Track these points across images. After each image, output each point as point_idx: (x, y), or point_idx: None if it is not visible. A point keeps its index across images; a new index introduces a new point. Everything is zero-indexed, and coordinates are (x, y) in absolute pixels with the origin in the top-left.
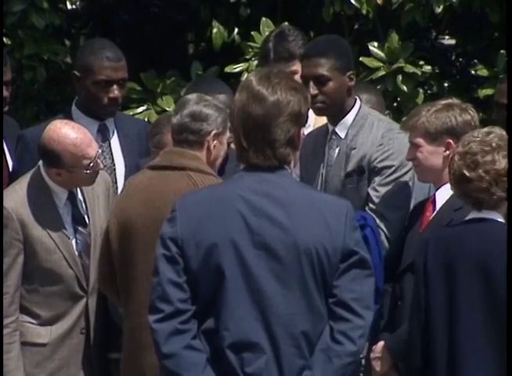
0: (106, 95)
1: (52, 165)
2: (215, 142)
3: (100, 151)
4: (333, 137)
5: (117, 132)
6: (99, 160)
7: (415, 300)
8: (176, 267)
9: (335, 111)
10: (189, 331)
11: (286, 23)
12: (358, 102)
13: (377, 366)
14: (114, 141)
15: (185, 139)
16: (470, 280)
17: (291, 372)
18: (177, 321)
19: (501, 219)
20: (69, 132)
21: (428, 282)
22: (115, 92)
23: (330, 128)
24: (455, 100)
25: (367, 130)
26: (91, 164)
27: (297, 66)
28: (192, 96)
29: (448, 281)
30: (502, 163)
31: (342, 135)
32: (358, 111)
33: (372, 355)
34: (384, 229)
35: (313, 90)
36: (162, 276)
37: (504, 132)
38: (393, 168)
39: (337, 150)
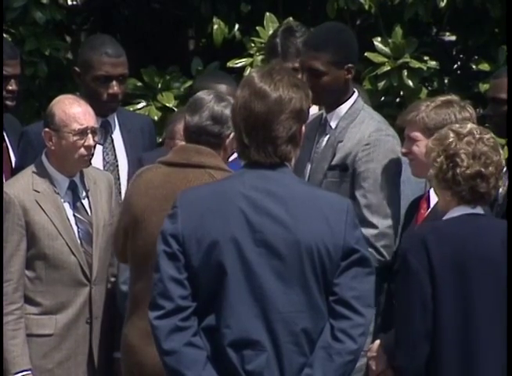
0: (105, 91)
1: (47, 124)
2: (230, 143)
3: (102, 145)
4: (324, 125)
5: (120, 129)
6: (90, 136)
7: (417, 301)
8: (177, 264)
9: (329, 102)
10: (190, 328)
11: (291, 18)
12: (355, 94)
13: (373, 365)
14: (117, 137)
15: (205, 141)
16: (485, 279)
17: (292, 370)
18: (177, 318)
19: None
20: (72, 99)
21: (437, 281)
22: (114, 88)
23: (324, 114)
24: (454, 97)
25: (357, 126)
26: (80, 131)
27: None
28: (209, 96)
29: (461, 280)
30: (502, 160)
31: (333, 125)
32: (352, 104)
33: (368, 354)
34: (373, 239)
35: (307, 81)
36: (163, 272)
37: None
38: (378, 171)
39: (325, 139)
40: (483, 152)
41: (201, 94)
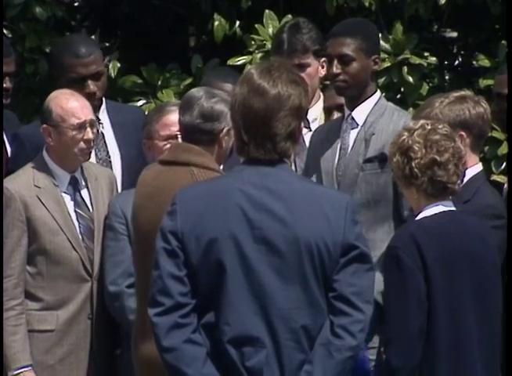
0: (81, 92)
1: (44, 120)
2: (226, 137)
3: (96, 134)
4: (349, 121)
5: (111, 124)
6: (89, 129)
7: (413, 299)
8: (176, 261)
9: (355, 93)
10: (189, 325)
11: (290, 15)
12: (378, 91)
13: None
14: (108, 133)
15: (198, 139)
16: (470, 276)
17: (291, 366)
18: (177, 315)
19: None
20: (69, 94)
21: (430, 279)
22: (90, 87)
23: (347, 112)
24: (468, 92)
25: (387, 118)
26: (79, 125)
27: (310, 60)
28: (200, 93)
29: (450, 277)
30: (460, 146)
31: (359, 121)
32: (378, 100)
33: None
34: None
35: (336, 69)
36: (162, 269)
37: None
38: None
39: (353, 136)
40: (435, 140)
41: (192, 92)
